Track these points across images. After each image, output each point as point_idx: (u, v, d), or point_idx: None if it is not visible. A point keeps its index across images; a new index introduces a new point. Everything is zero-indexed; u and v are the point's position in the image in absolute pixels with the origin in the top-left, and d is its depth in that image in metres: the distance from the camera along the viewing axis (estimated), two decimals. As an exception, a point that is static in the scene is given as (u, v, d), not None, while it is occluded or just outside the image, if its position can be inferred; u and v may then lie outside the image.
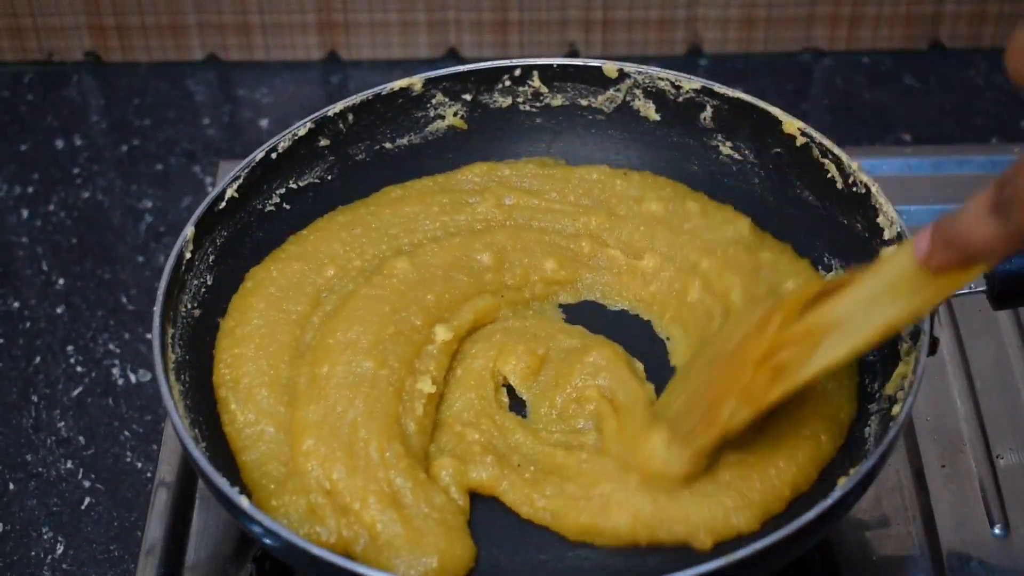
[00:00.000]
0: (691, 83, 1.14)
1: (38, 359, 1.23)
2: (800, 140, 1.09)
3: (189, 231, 1.02)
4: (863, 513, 1.04)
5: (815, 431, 0.96)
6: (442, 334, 1.04)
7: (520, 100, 1.19)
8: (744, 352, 0.91)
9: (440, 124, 1.19)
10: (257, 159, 1.09)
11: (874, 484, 0.93)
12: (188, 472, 1.07)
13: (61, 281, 1.31)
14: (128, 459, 1.15)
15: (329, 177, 1.15)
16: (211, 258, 1.06)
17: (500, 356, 1.05)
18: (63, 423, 1.18)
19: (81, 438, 1.17)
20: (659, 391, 1.02)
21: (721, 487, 0.94)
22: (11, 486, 1.13)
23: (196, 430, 0.95)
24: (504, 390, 1.05)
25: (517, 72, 1.17)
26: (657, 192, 1.15)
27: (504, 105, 1.19)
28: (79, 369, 1.23)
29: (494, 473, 0.97)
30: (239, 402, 0.99)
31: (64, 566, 1.07)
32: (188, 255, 1.02)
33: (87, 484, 1.13)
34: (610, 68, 1.16)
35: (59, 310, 1.28)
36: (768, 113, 1.11)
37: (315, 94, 1.52)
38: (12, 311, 1.28)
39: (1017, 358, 1.15)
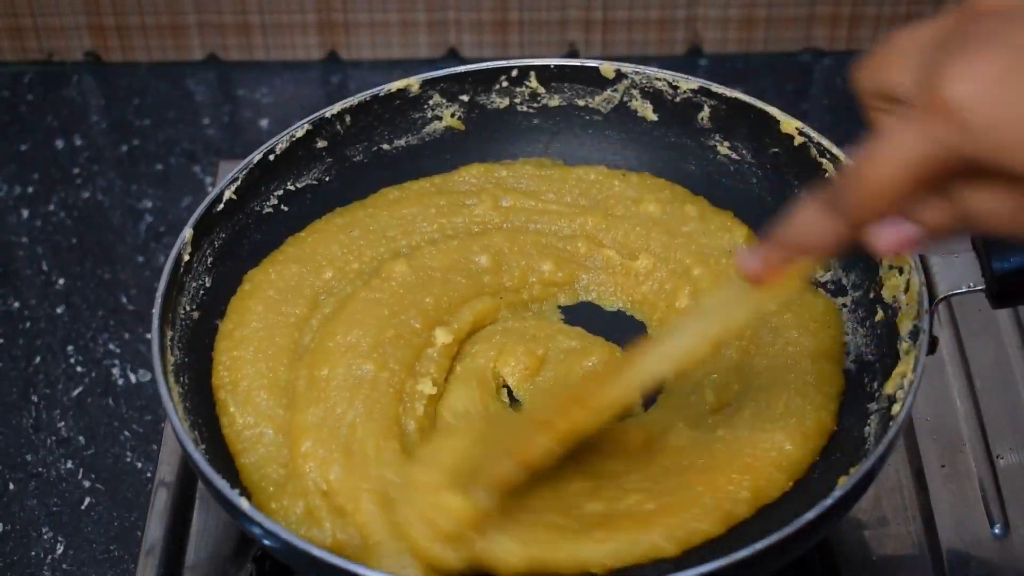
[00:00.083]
0: (688, 83, 1.14)
1: (38, 359, 1.24)
2: (798, 140, 1.09)
3: (187, 233, 1.02)
4: (863, 513, 1.04)
5: (778, 440, 0.96)
6: (442, 337, 1.04)
7: (517, 101, 1.19)
8: (543, 404, 0.94)
9: (437, 125, 1.19)
10: (255, 161, 1.09)
11: (874, 484, 0.92)
12: (188, 472, 1.07)
13: (61, 281, 1.31)
14: (128, 459, 1.15)
15: (327, 179, 1.15)
16: (209, 260, 1.06)
17: (499, 357, 1.05)
18: (63, 423, 1.18)
19: (81, 438, 1.17)
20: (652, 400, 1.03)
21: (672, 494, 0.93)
22: (11, 486, 1.13)
23: (196, 432, 0.95)
24: (504, 391, 1.05)
25: (514, 73, 1.17)
26: (656, 194, 1.15)
27: (501, 106, 1.19)
28: (79, 369, 1.23)
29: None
30: (238, 405, 0.99)
31: (64, 566, 1.07)
32: (186, 257, 1.02)
33: (87, 484, 1.13)
34: (607, 68, 1.16)
35: (59, 310, 1.28)
36: (766, 113, 1.11)
37: (315, 94, 1.52)
38: (12, 311, 1.28)
39: (1017, 358, 1.15)
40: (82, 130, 1.48)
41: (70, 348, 1.25)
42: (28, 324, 1.27)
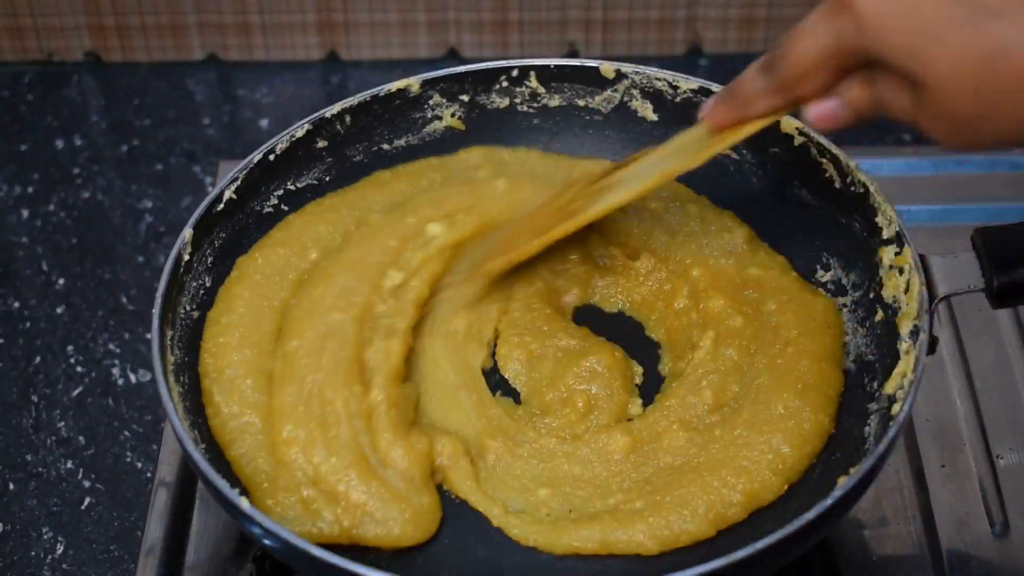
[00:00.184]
0: (688, 83, 1.14)
1: (38, 359, 1.24)
2: (798, 140, 1.09)
3: (187, 233, 1.02)
4: (863, 513, 1.04)
5: (775, 442, 0.96)
6: (435, 230, 1.08)
7: (518, 101, 1.19)
8: (542, 209, 1.06)
9: (438, 125, 1.19)
10: (255, 161, 1.09)
11: (874, 484, 0.93)
12: (188, 472, 1.07)
13: (61, 281, 1.31)
14: (128, 459, 1.15)
15: (327, 178, 1.15)
16: (209, 260, 1.06)
17: (501, 346, 1.06)
18: (63, 423, 1.18)
19: (81, 438, 1.17)
20: (652, 399, 1.03)
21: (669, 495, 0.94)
22: (11, 486, 1.13)
23: (196, 431, 0.95)
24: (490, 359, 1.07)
25: (514, 73, 1.17)
26: (656, 193, 1.14)
27: (502, 106, 1.19)
28: (79, 369, 1.23)
29: (464, 474, 0.98)
30: (223, 393, 0.99)
31: (64, 566, 1.07)
32: (186, 257, 1.02)
33: (87, 484, 1.13)
34: (607, 68, 1.16)
35: (59, 310, 1.28)
36: (766, 113, 1.11)
37: (315, 94, 1.52)
38: (12, 311, 1.28)
39: (1017, 358, 1.15)
40: (82, 130, 1.48)
41: (70, 348, 1.25)
42: (28, 324, 1.27)
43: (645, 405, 1.03)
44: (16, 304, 1.29)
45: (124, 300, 1.29)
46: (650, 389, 1.04)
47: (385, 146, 1.17)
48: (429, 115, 1.18)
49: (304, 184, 1.14)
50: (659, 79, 1.15)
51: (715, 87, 1.13)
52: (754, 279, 1.07)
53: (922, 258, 0.98)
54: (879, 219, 1.03)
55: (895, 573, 1.02)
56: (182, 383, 0.98)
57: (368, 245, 1.08)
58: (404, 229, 1.09)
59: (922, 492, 1.06)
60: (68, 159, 1.44)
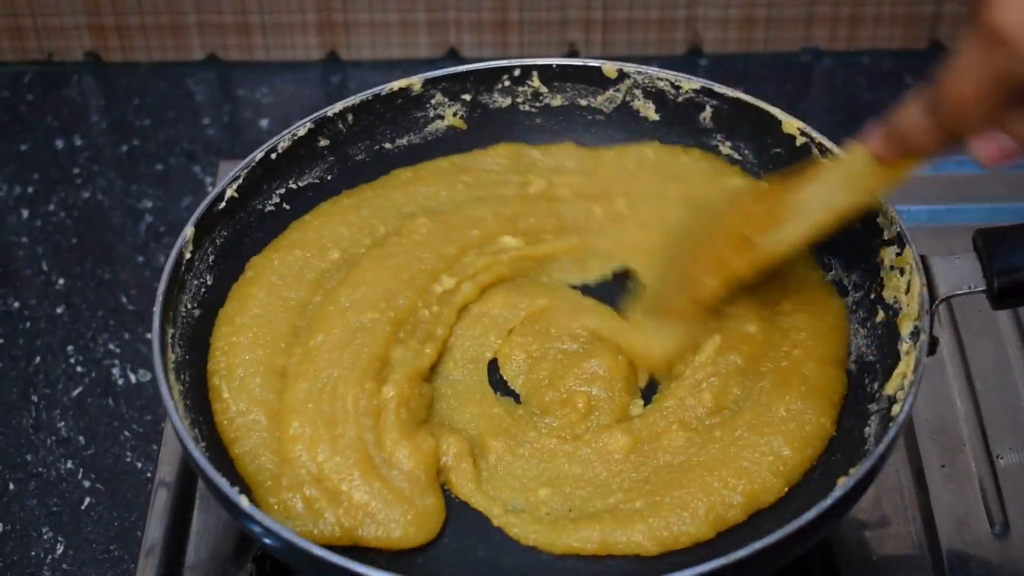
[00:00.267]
0: (691, 83, 1.14)
1: (38, 359, 1.24)
2: (800, 140, 1.09)
3: (189, 231, 1.02)
4: (863, 513, 1.04)
5: (776, 444, 0.96)
6: (511, 242, 1.10)
7: (520, 100, 1.19)
8: (711, 233, 1.03)
9: (440, 124, 1.19)
10: (257, 159, 1.09)
11: (874, 484, 0.92)
12: (188, 472, 1.07)
13: (61, 281, 1.31)
14: (128, 459, 1.15)
15: (329, 177, 1.15)
16: (211, 258, 1.06)
17: (503, 346, 1.06)
18: (63, 423, 1.18)
19: (81, 438, 1.17)
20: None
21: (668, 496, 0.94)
22: (11, 486, 1.13)
23: (196, 430, 0.95)
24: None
25: (516, 72, 1.17)
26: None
27: (504, 105, 1.19)
28: (79, 369, 1.23)
29: (467, 476, 0.98)
30: (232, 391, 0.99)
31: (64, 566, 1.07)
32: (188, 255, 1.02)
33: (87, 484, 1.13)
34: (610, 68, 1.16)
35: (59, 310, 1.28)
36: (768, 113, 1.11)
37: (315, 94, 1.52)
38: (12, 311, 1.28)
39: (1017, 358, 1.15)
40: (82, 130, 1.48)
41: (70, 348, 1.24)
42: (28, 324, 1.27)
43: (646, 405, 1.03)
44: (16, 304, 1.29)
45: (124, 300, 1.29)
46: (655, 390, 1.05)
47: (387, 145, 1.17)
48: (431, 114, 1.18)
49: (306, 183, 1.14)
50: (661, 79, 1.15)
51: (717, 87, 1.13)
52: (780, 273, 1.06)
53: (923, 259, 0.98)
54: (880, 219, 1.03)
55: (895, 573, 1.02)
56: (183, 381, 0.98)
57: (418, 252, 1.07)
58: (467, 240, 1.09)
59: (922, 492, 1.06)
60: (68, 159, 1.44)
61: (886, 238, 1.02)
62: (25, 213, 1.38)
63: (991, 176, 1.33)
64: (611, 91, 1.17)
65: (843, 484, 0.87)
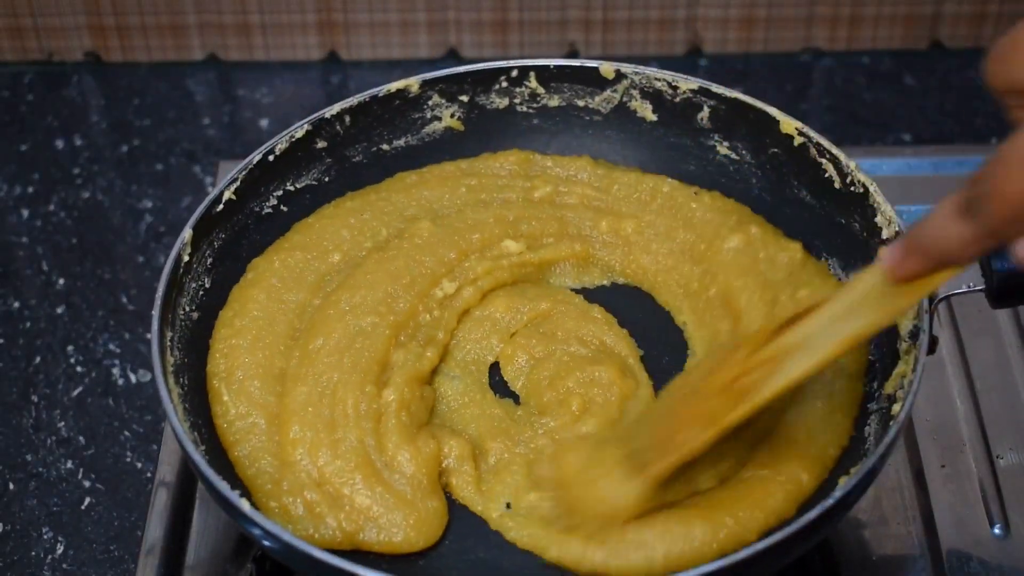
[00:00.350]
0: (688, 83, 1.14)
1: (38, 359, 1.24)
2: (798, 140, 1.09)
3: (187, 234, 1.02)
4: (863, 513, 1.04)
5: (794, 472, 0.93)
6: (513, 247, 1.08)
7: (517, 101, 1.19)
8: (708, 383, 0.88)
9: (437, 125, 1.19)
10: (254, 161, 1.09)
11: (874, 484, 0.92)
12: (188, 472, 1.07)
13: (61, 281, 1.31)
14: (128, 459, 1.15)
15: (326, 179, 1.15)
16: (209, 261, 1.06)
17: (506, 347, 1.06)
18: (63, 423, 1.18)
19: (81, 438, 1.17)
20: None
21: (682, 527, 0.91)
22: (11, 486, 1.13)
23: (196, 433, 0.95)
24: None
25: (514, 73, 1.17)
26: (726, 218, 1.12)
27: (501, 106, 1.19)
28: (79, 369, 1.23)
29: (467, 479, 0.97)
30: (232, 393, 0.99)
31: (64, 566, 1.07)
32: (186, 258, 1.02)
33: (87, 484, 1.13)
34: (607, 69, 1.16)
35: (59, 310, 1.28)
36: (765, 113, 1.11)
37: (315, 94, 1.52)
38: (12, 311, 1.28)
39: (1017, 358, 1.15)
40: (82, 130, 1.48)
41: (70, 348, 1.25)
42: (28, 324, 1.27)
43: None
44: (16, 304, 1.29)
45: (124, 300, 1.29)
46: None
47: (384, 147, 1.17)
48: (428, 115, 1.18)
49: (304, 185, 1.14)
50: (658, 79, 1.15)
51: (715, 87, 1.13)
52: (803, 300, 1.01)
53: (922, 258, 0.98)
54: (879, 219, 1.03)
55: (895, 573, 1.02)
56: (182, 384, 0.98)
57: (419, 255, 1.07)
58: (468, 244, 1.09)
59: (922, 492, 1.06)
60: (68, 159, 1.44)
61: (884, 237, 1.02)
62: (25, 213, 1.38)
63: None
64: (608, 91, 1.17)
65: (843, 484, 0.87)
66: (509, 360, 1.06)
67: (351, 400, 0.97)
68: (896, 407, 0.94)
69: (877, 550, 1.03)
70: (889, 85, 1.51)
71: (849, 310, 0.80)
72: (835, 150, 1.06)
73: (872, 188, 1.03)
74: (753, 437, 0.96)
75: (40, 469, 1.14)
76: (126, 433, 1.17)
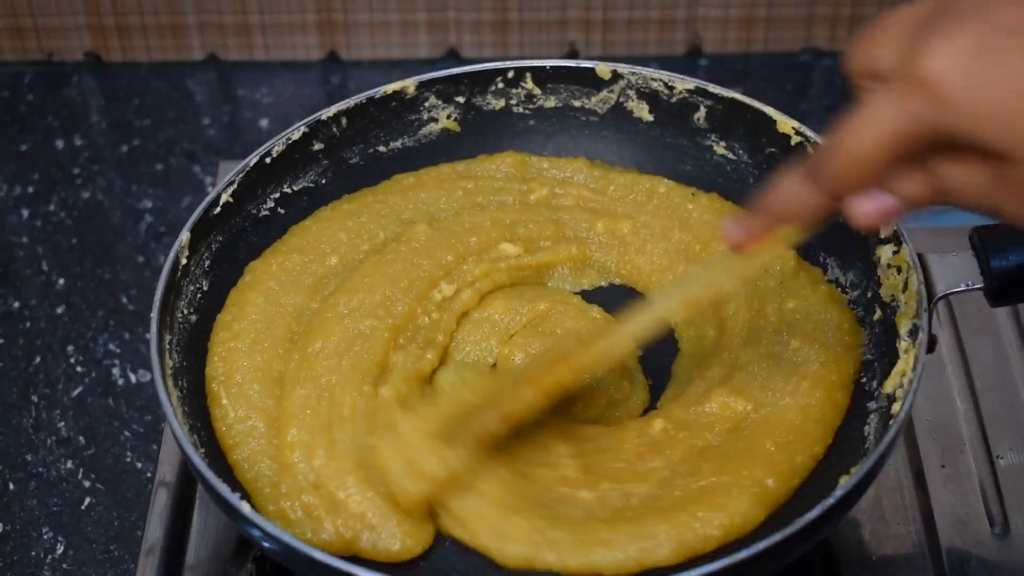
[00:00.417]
0: (684, 83, 1.14)
1: (38, 359, 1.24)
2: (795, 139, 1.09)
3: (184, 237, 1.02)
4: (863, 513, 1.04)
5: (759, 476, 0.93)
6: (511, 250, 1.08)
7: (513, 102, 1.19)
8: (524, 374, 0.95)
9: (433, 127, 1.19)
10: (251, 164, 1.09)
11: (874, 484, 0.92)
12: (188, 472, 1.07)
13: (61, 281, 1.31)
14: (128, 459, 1.15)
15: (323, 181, 1.15)
16: (206, 264, 1.06)
17: (504, 346, 1.06)
18: (63, 423, 1.18)
19: (81, 438, 1.17)
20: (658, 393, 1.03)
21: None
22: (11, 486, 1.13)
23: (195, 436, 0.95)
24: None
25: (510, 74, 1.17)
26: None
27: (497, 107, 1.19)
28: (79, 369, 1.23)
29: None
30: (231, 397, 0.99)
31: (64, 566, 1.07)
32: (184, 261, 1.02)
33: (87, 484, 1.13)
34: (603, 69, 1.16)
35: (59, 310, 1.28)
36: (762, 113, 1.10)
37: (315, 94, 1.52)
38: (12, 311, 1.28)
39: (1017, 358, 1.15)
40: (82, 130, 1.48)
41: (70, 348, 1.25)
42: (28, 324, 1.27)
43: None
44: (16, 304, 1.29)
45: (124, 300, 1.29)
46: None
47: (381, 148, 1.17)
48: (425, 117, 1.18)
49: (301, 187, 1.14)
50: (655, 79, 1.15)
51: (711, 87, 1.13)
52: (789, 312, 1.04)
53: (920, 257, 0.98)
54: (877, 219, 1.02)
55: (895, 573, 1.02)
56: (181, 387, 0.98)
57: (416, 258, 1.07)
58: (465, 247, 1.09)
59: (922, 492, 1.06)
60: (68, 159, 1.44)
61: (882, 236, 1.02)
62: (25, 213, 1.38)
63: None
64: (605, 92, 1.17)
65: (844, 484, 0.87)
66: (508, 361, 1.06)
67: (348, 402, 0.97)
68: (896, 406, 0.94)
69: (877, 550, 1.03)
70: (889, 84, 1.51)
71: (696, 276, 0.90)
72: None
73: (870, 188, 1.03)
74: (725, 444, 0.96)
75: (40, 469, 1.14)
76: (126, 433, 1.17)
